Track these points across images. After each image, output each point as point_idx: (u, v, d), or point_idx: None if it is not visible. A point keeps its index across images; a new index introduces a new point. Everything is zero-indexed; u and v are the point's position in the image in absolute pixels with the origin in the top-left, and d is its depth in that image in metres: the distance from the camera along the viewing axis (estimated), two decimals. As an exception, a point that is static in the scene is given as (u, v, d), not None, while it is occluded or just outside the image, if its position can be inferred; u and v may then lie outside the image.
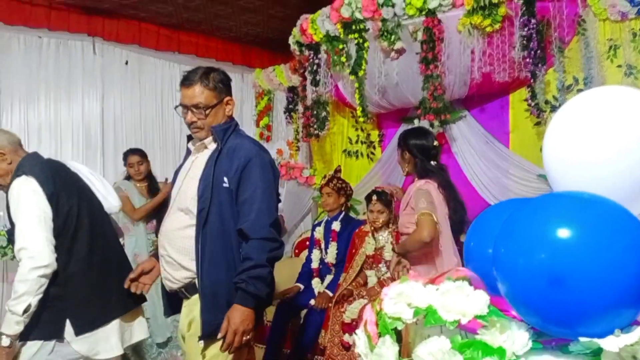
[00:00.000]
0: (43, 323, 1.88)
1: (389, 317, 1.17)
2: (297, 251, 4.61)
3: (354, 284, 3.34)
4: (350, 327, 3.05)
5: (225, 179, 1.80)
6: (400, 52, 3.34)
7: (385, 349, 1.15)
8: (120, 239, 2.43)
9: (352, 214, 4.35)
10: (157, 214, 3.66)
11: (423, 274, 2.16)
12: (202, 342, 1.77)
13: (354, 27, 3.40)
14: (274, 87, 5.11)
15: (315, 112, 3.89)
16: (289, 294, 3.58)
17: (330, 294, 3.40)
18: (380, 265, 3.27)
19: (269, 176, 1.84)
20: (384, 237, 3.26)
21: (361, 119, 3.68)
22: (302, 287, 3.68)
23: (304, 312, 3.48)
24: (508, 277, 1.10)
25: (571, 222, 1.05)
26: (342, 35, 3.49)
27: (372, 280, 3.30)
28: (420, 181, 2.57)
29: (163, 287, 1.97)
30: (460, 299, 1.10)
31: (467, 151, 3.58)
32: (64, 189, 1.96)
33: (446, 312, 1.09)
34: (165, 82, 4.91)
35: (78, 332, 1.92)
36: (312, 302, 3.44)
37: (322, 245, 3.71)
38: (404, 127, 3.93)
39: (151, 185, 3.86)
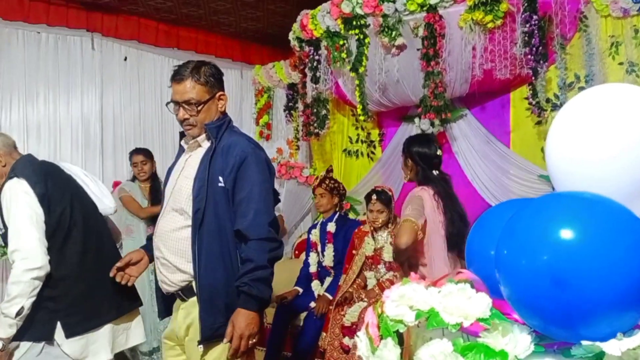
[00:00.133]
0: (34, 324, 1.86)
1: (391, 319, 1.16)
2: (297, 252, 4.59)
3: (354, 285, 3.32)
4: (350, 331, 3.03)
5: (221, 179, 1.75)
6: (401, 48, 3.32)
7: (387, 352, 1.14)
8: (118, 242, 2.40)
9: (352, 214, 4.34)
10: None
11: None
12: (201, 347, 1.73)
13: (354, 22, 3.38)
14: (273, 83, 5.09)
15: (315, 110, 3.88)
16: (288, 298, 3.56)
17: (330, 297, 3.37)
18: (379, 266, 3.25)
19: (265, 174, 1.80)
20: (384, 237, 3.24)
21: (361, 118, 3.66)
22: (300, 290, 3.66)
23: (304, 314, 3.46)
24: (510, 278, 1.09)
25: (574, 223, 1.04)
26: (342, 31, 3.47)
27: (371, 282, 3.28)
28: (417, 188, 2.57)
29: (158, 289, 1.92)
30: (462, 301, 1.09)
31: (467, 151, 3.57)
32: (56, 190, 1.95)
33: (448, 315, 1.08)
34: (165, 78, 4.87)
35: (69, 334, 1.90)
36: (313, 304, 3.42)
37: (319, 248, 3.68)
38: (404, 126, 3.93)
39: (154, 186, 3.83)
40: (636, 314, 1.02)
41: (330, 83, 3.79)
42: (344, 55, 3.50)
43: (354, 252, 3.42)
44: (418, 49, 3.24)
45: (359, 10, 3.33)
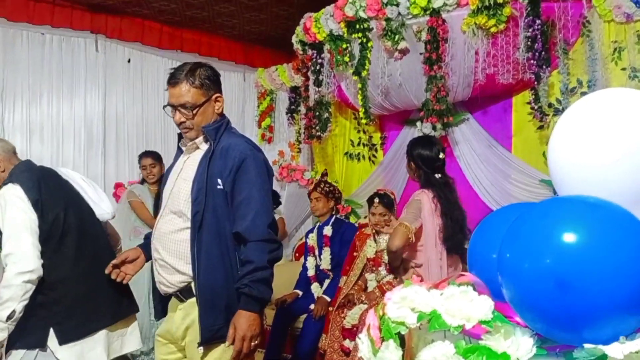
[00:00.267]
0: (27, 331, 1.85)
1: (393, 321, 1.16)
2: (297, 255, 4.58)
3: (355, 288, 3.32)
4: (350, 333, 3.03)
5: (219, 181, 1.74)
6: (404, 52, 3.33)
7: (389, 353, 1.14)
8: (117, 247, 2.37)
9: (352, 217, 4.35)
10: None
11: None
12: (201, 349, 1.72)
13: (357, 26, 3.39)
14: (276, 86, 5.10)
15: (317, 113, 3.88)
16: (287, 300, 3.56)
17: (328, 299, 3.38)
18: (380, 268, 3.24)
19: (264, 176, 1.80)
20: (385, 239, 3.24)
21: (363, 121, 3.67)
22: (300, 293, 3.66)
23: (303, 317, 3.46)
24: (513, 282, 1.09)
25: (577, 226, 1.04)
26: (345, 35, 3.48)
27: (372, 284, 3.28)
28: (418, 191, 2.58)
29: (155, 290, 1.91)
30: (465, 303, 1.09)
31: (469, 155, 3.57)
32: (50, 196, 1.94)
33: (450, 317, 1.08)
34: (168, 80, 4.90)
35: (62, 341, 1.88)
36: (312, 306, 3.42)
37: (316, 252, 3.68)
38: (406, 130, 3.93)
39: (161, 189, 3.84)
40: (639, 318, 1.02)
41: (333, 86, 3.80)
42: (346, 58, 3.51)
43: (354, 254, 3.42)
44: (421, 53, 3.25)
45: (362, 14, 3.34)
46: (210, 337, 1.71)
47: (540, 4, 2.97)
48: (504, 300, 1.14)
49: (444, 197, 2.52)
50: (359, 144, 4.38)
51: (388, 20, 3.28)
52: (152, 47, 4.77)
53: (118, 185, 4.17)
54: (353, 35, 3.45)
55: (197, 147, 1.86)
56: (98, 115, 4.46)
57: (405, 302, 1.18)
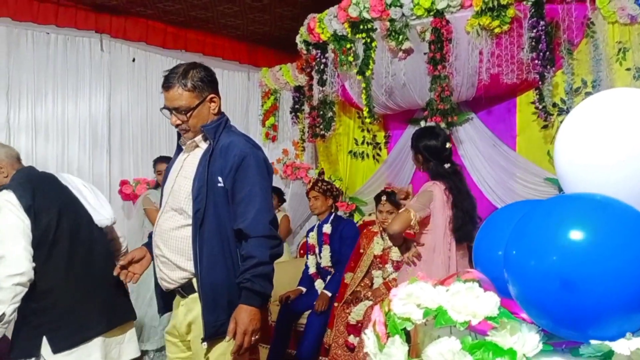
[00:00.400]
0: (20, 340, 1.84)
1: (399, 317, 1.17)
2: (302, 252, 4.61)
3: (361, 284, 3.34)
4: (355, 329, 3.05)
5: (220, 179, 1.76)
6: (408, 52, 3.33)
7: (395, 349, 1.15)
8: (122, 250, 2.33)
9: (357, 215, 4.36)
10: None
11: (409, 275, 2.17)
12: (205, 344, 1.74)
13: (361, 26, 3.40)
14: (280, 86, 5.11)
15: (321, 112, 3.89)
16: (291, 297, 3.59)
17: (329, 294, 3.40)
18: (387, 265, 3.27)
19: (264, 173, 1.81)
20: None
21: (367, 120, 3.68)
22: (304, 289, 3.69)
23: (307, 313, 3.49)
24: (519, 279, 1.10)
25: (583, 224, 1.05)
26: (349, 35, 3.49)
27: (378, 281, 3.30)
28: (429, 182, 2.56)
29: (157, 286, 1.93)
30: (471, 300, 1.09)
31: (473, 154, 3.58)
32: (44, 202, 1.94)
33: (456, 313, 1.08)
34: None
35: (55, 349, 1.87)
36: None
37: (317, 250, 3.71)
38: (410, 129, 3.93)
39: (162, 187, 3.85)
40: (645, 315, 1.02)
41: (337, 86, 3.80)
42: (350, 58, 3.52)
43: (361, 251, 3.44)
44: (425, 53, 3.25)
45: (366, 15, 3.35)
46: (214, 333, 1.73)
47: (544, 5, 2.97)
48: (510, 296, 1.15)
49: (455, 187, 2.50)
50: (362, 143, 4.39)
51: (392, 20, 3.28)
52: (156, 46, 4.78)
53: (123, 183, 4.18)
54: (357, 36, 3.45)
55: (197, 146, 1.88)
56: (103, 114, 4.48)
57: (411, 298, 1.18)
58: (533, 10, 2.96)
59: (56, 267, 1.91)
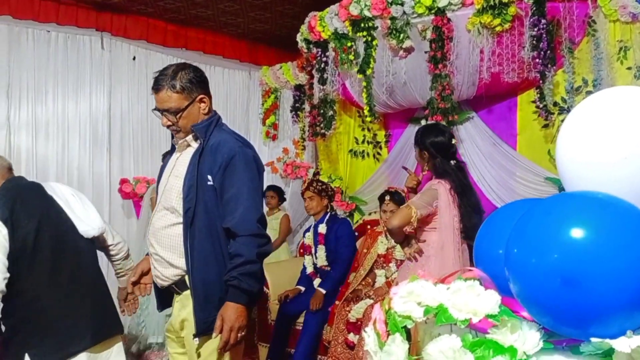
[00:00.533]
0: (4, 357, 1.80)
1: (399, 315, 1.17)
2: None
3: (363, 283, 3.36)
4: (355, 327, 3.06)
5: (210, 177, 1.79)
6: (409, 50, 3.33)
7: (395, 347, 1.15)
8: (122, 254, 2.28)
9: (357, 215, 4.36)
10: None
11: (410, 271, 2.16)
12: (197, 340, 1.77)
13: (362, 25, 3.39)
14: (280, 84, 5.11)
15: (322, 111, 3.89)
16: (290, 295, 3.60)
17: (323, 292, 3.42)
18: (390, 264, 3.29)
19: (253, 172, 1.82)
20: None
21: (368, 119, 3.68)
22: (303, 289, 3.70)
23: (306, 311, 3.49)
24: (520, 277, 1.10)
25: (584, 222, 1.05)
26: (350, 33, 3.49)
27: (380, 280, 3.32)
28: (434, 180, 2.55)
29: (154, 283, 1.96)
30: (471, 298, 1.09)
31: (474, 153, 3.57)
32: (23, 213, 1.88)
33: (457, 311, 1.08)
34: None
35: None
36: None
37: (313, 250, 3.72)
38: (411, 128, 3.93)
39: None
40: (646, 314, 1.02)
41: (337, 84, 3.80)
42: (351, 57, 3.52)
43: (364, 250, 3.45)
44: (426, 52, 3.25)
45: (367, 13, 3.34)
46: (205, 329, 1.75)
47: (546, 4, 2.96)
48: (511, 295, 1.15)
49: (460, 186, 2.49)
50: (363, 142, 4.39)
51: (393, 19, 3.28)
52: (157, 45, 4.79)
53: (123, 181, 4.18)
54: (358, 34, 3.45)
55: (188, 145, 1.90)
56: (103, 112, 4.48)
57: (411, 296, 1.18)
58: (534, 8, 2.96)
59: (38, 280, 1.84)
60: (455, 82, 3.25)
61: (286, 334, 3.49)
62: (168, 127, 1.87)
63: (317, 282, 3.65)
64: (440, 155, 2.53)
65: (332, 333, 3.18)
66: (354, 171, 4.44)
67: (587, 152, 1.21)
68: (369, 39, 3.41)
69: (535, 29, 2.95)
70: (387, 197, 3.23)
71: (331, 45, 3.67)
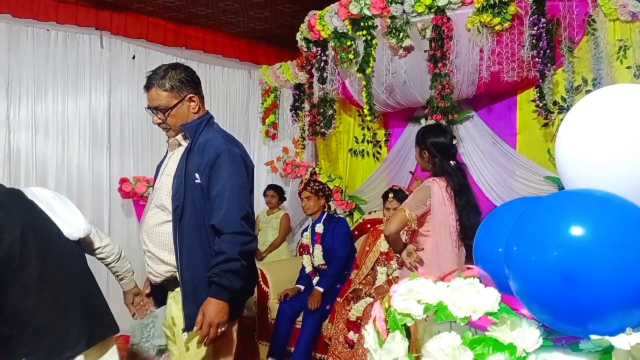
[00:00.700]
0: None
1: (399, 313, 1.17)
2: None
3: (363, 281, 3.36)
4: (355, 325, 3.06)
5: (197, 175, 1.83)
6: (409, 49, 3.33)
7: (395, 344, 1.15)
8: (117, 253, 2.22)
9: (356, 214, 4.37)
10: None
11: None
12: (185, 335, 1.81)
13: (362, 24, 3.39)
14: (280, 83, 5.11)
15: (321, 110, 3.89)
16: (290, 294, 3.60)
17: (321, 290, 3.43)
18: (392, 262, 3.30)
19: (239, 170, 1.85)
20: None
21: (368, 118, 3.68)
22: (302, 288, 3.71)
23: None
24: (520, 274, 1.10)
25: (584, 219, 1.05)
26: (350, 32, 3.49)
27: (381, 277, 3.33)
28: (429, 179, 2.55)
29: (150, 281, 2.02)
30: (471, 295, 1.09)
31: (473, 152, 3.58)
32: (6, 222, 1.80)
33: (457, 309, 1.08)
34: (172, 77, 4.90)
35: None
36: None
37: (311, 250, 3.73)
38: (410, 127, 3.95)
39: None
40: (645, 310, 1.02)
41: (337, 83, 3.80)
42: (351, 56, 3.52)
43: (367, 249, 3.46)
44: (425, 51, 3.25)
45: (366, 12, 3.34)
46: (193, 325, 1.79)
47: (545, 2, 2.96)
48: (510, 292, 1.15)
49: (459, 186, 2.48)
50: (363, 141, 4.39)
51: (392, 18, 3.28)
52: (156, 43, 4.77)
53: (123, 181, 4.18)
54: (357, 33, 3.45)
55: (179, 144, 1.96)
56: (103, 111, 4.47)
57: (411, 294, 1.18)
58: (534, 7, 2.96)
59: (27, 288, 1.79)
60: (455, 81, 3.25)
61: (286, 332, 3.50)
62: (159, 125, 1.94)
63: (316, 280, 3.66)
64: (440, 155, 2.53)
65: (332, 331, 3.19)
66: (354, 170, 4.45)
67: (587, 150, 1.21)
68: (369, 37, 3.41)
69: (535, 28, 2.95)
70: (391, 195, 3.26)
71: (331, 44, 3.67)
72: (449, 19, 3.14)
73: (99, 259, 2.14)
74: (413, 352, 1.19)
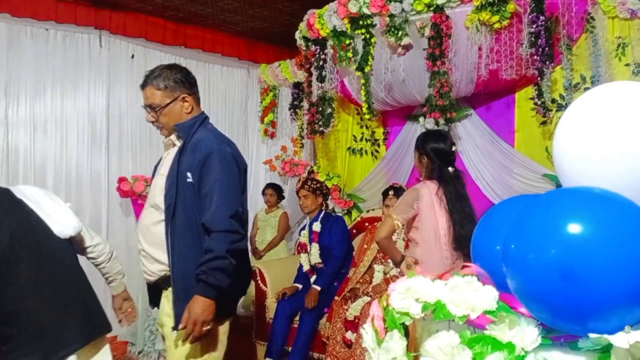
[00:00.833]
0: None
1: (397, 311, 1.17)
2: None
3: (360, 280, 3.36)
4: (353, 325, 3.06)
5: (189, 174, 1.85)
6: (407, 47, 3.33)
7: (393, 343, 1.15)
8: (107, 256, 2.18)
9: (354, 212, 4.37)
10: None
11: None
12: (175, 333, 1.82)
13: (361, 22, 3.39)
14: (279, 82, 5.10)
15: (320, 108, 3.89)
16: (287, 293, 3.59)
17: (318, 288, 3.43)
18: (389, 260, 3.30)
19: (229, 169, 1.86)
20: (397, 231, 3.27)
21: (366, 116, 3.67)
22: (300, 287, 3.70)
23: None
24: (518, 272, 1.10)
25: (582, 217, 1.05)
26: (349, 31, 3.48)
27: (378, 275, 3.32)
28: (420, 182, 2.54)
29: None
30: (469, 294, 1.10)
31: (472, 150, 3.58)
32: None
33: (455, 307, 1.08)
34: (171, 76, 4.90)
35: None
36: None
37: (308, 249, 3.73)
38: (409, 125, 3.94)
39: None
40: (644, 308, 1.02)
41: (336, 82, 3.80)
42: (350, 54, 3.51)
43: (365, 246, 3.46)
44: (424, 49, 3.25)
45: (365, 10, 3.34)
46: None
47: (544, 0, 2.96)
48: (508, 291, 1.15)
49: (454, 193, 2.46)
50: (361, 139, 4.39)
51: (391, 16, 3.28)
52: (155, 42, 4.76)
53: (121, 180, 4.17)
54: (356, 31, 3.44)
55: (174, 144, 1.99)
56: (102, 110, 4.46)
57: (409, 292, 1.18)
58: (533, 5, 2.95)
59: (21, 288, 1.77)
60: (454, 79, 3.25)
61: (284, 332, 3.49)
62: (152, 123, 1.98)
63: (314, 279, 3.65)
64: (439, 161, 2.52)
65: (330, 331, 3.18)
66: (352, 169, 4.45)
67: (585, 148, 1.21)
68: (368, 36, 3.40)
69: (534, 26, 2.94)
70: (391, 192, 3.28)
71: (330, 42, 3.66)
72: (447, 17, 3.14)
73: (90, 258, 2.11)
74: (411, 351, 1.19)
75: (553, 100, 3.18)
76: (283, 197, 4.81)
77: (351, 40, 3.51)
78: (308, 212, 3.78)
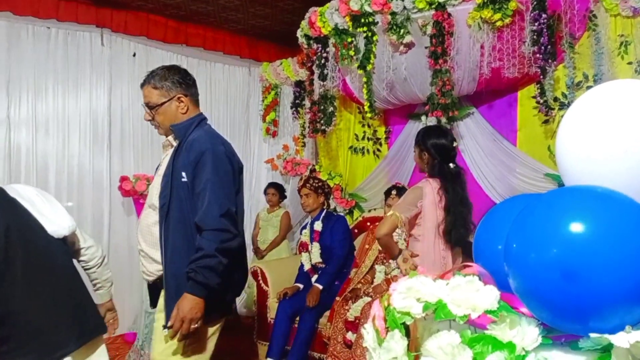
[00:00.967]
0: None
1: (398, 311, 1.16)
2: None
3: (362, 280, 3.36)
4: (353, 325, 3.05)
5: (184, 174, 1.87)
6: (409, 45, 3.32)
7: (394, 343, 1.15)
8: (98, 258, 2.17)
9: (356, 211, 4.36)
10: None
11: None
12: (166, 331, 1.83)
13: (363, 20, 3.38)
14: (281, 81, 5.10)
15: (322, 107, 3.88)
16: (288, 293, 3.59)
17: (320, 287, 3.43)
18: (391, 261, 3.29)
19: (222, 168, 1.87)
20: (398, 232, 3.27)
21: (368, 115, 3.66)
22: (301, 286, 3.69)
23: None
24: (520, 272, 1.09)
25: (584, 216, 1.04)
26: (350, 29, 3.48)
27: (380, 276, 3.32)
28: (423, 179, 2.53)
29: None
30: (471, 293, 1.09)
31: (474, 149, 3.57)
32: None
33: (456, 307, 1.08)
34: (173, 74, 4.90)
35: None
36: None
37: (309, 248, 3.73)
38: (411, 124, 3.94)
39: None
40: (645, 308, 1.02)
41: (338, 80, 3.79)
42: (351, 52, 3.51)
43: (366, 246, 3.45)
44: (426, 47, 3.24)
45: (367, 8, 3.33)
46: None
47: (547, -2, 2.96)
48: (510, 290, 1.14)
49: (451, 189, 2.45)
50: (363, 138, 4.38)
51: (393, 14, 3.27)
52: (157, 41, 4.76)
53: (123, 179, 4.17)
54: (358, 30, 3.44)
55: (171, 145, 2.02)
56: (103, 109, 4.47)
57: (410, 292, 1.18)
58: (535, 3, 2.94)
59: (14, 289, 1.74)
60: (456, 77, 3.24)
61: (285, 331, 3.48)
62: (149, 121, 2.02)
63: (315, 279, 3.65)
64: (440, 157, 2.49)
65: (331, 331, 3.18)
66: (354, 168, 4.44)
67: (587, 147, 1.20)
68: (369, 34, 3.40)
69: (536, 24, 2.93)
70: (394, 192, 3.27)
71: (331, 40, 3.66)
72: (449, 15, 3.13)
73: (81, 261, 2.09)
74: (412, 351, 1.19)
75: (555, 99, 3.16)
76: (285, 197, 4.80)
77: (353, 39, 3.50)
78: (309, 211, 3.78)
